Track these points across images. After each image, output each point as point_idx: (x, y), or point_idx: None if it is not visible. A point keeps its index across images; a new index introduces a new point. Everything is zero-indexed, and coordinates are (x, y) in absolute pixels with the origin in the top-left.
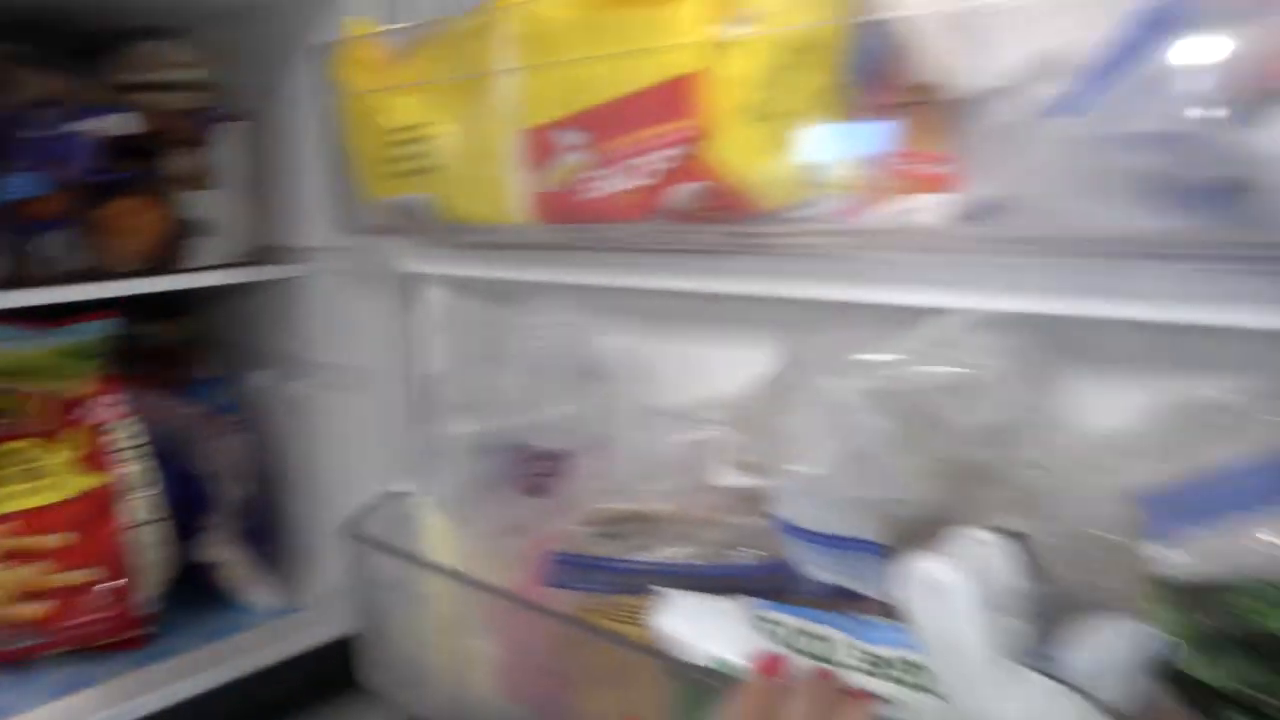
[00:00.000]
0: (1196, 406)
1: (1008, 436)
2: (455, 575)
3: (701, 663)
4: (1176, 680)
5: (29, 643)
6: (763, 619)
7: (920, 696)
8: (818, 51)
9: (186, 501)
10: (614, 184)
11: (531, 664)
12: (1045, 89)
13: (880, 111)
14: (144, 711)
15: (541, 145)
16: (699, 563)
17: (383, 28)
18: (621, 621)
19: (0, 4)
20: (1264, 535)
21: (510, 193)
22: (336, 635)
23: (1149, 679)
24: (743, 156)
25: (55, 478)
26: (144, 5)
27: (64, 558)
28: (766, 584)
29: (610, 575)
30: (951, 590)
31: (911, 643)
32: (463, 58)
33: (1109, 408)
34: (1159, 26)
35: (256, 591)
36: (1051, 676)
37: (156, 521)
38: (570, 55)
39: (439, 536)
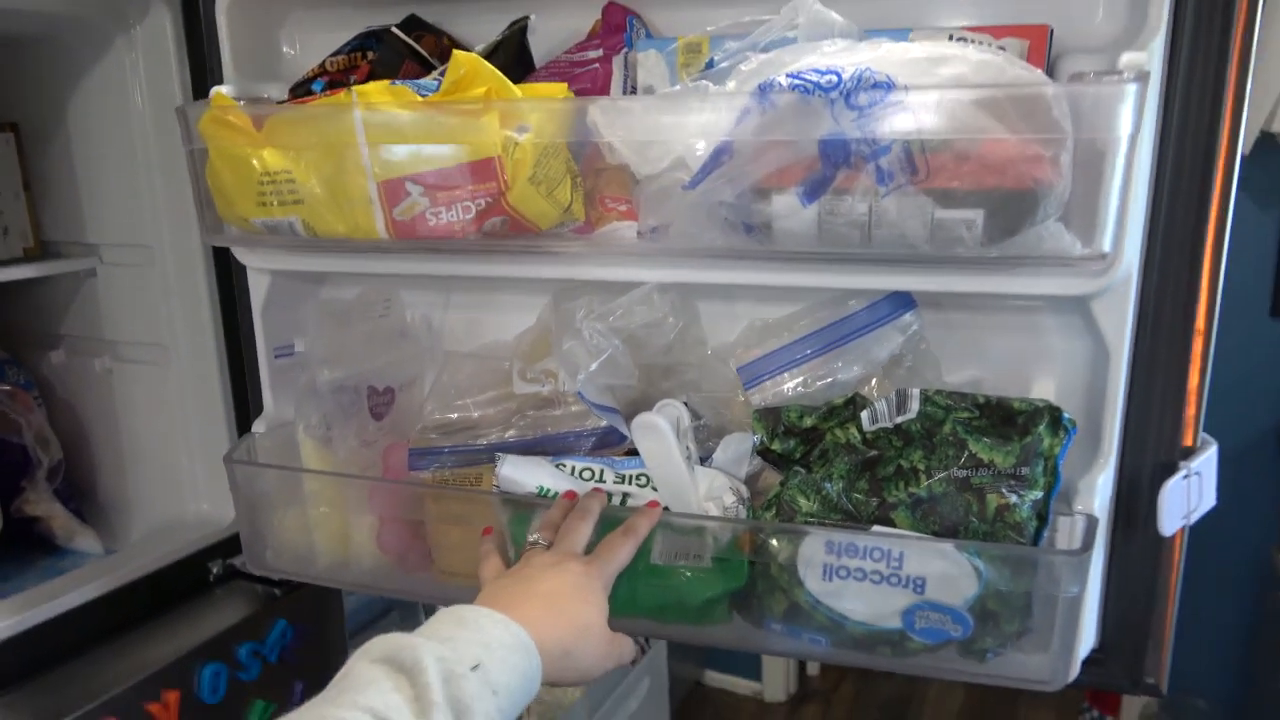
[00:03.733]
0: (768, 321)
1: (676, 351)
2: (336, 474)
3: (529, 491)
4: (765, 455)
5: None
6: (559, 465)
7: (648, 492)
8: (560, 147)
9: (5, 467)
10: (446, 217)
11: (397, 525)
12: (680, 175)
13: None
14: None
15: (393, 191)
16: (510, 440)
17: (243, 100)
18: (463, 484)
19: None
20: (792, 384)
21: (372, 219)
22: (161, 564)
23: (754, 458)
24: (525, 203)
25: None
26: None
27: None
28: (556, 448)
29: (450, 456)
30: (659, 428)
31: (640, 464)
32: (321, 130)
33: (725, 330)
34: (723, 153)
35: (82, 539)
36: (710, 467)
37: None
38: (412, 139)
39: (311, 453)
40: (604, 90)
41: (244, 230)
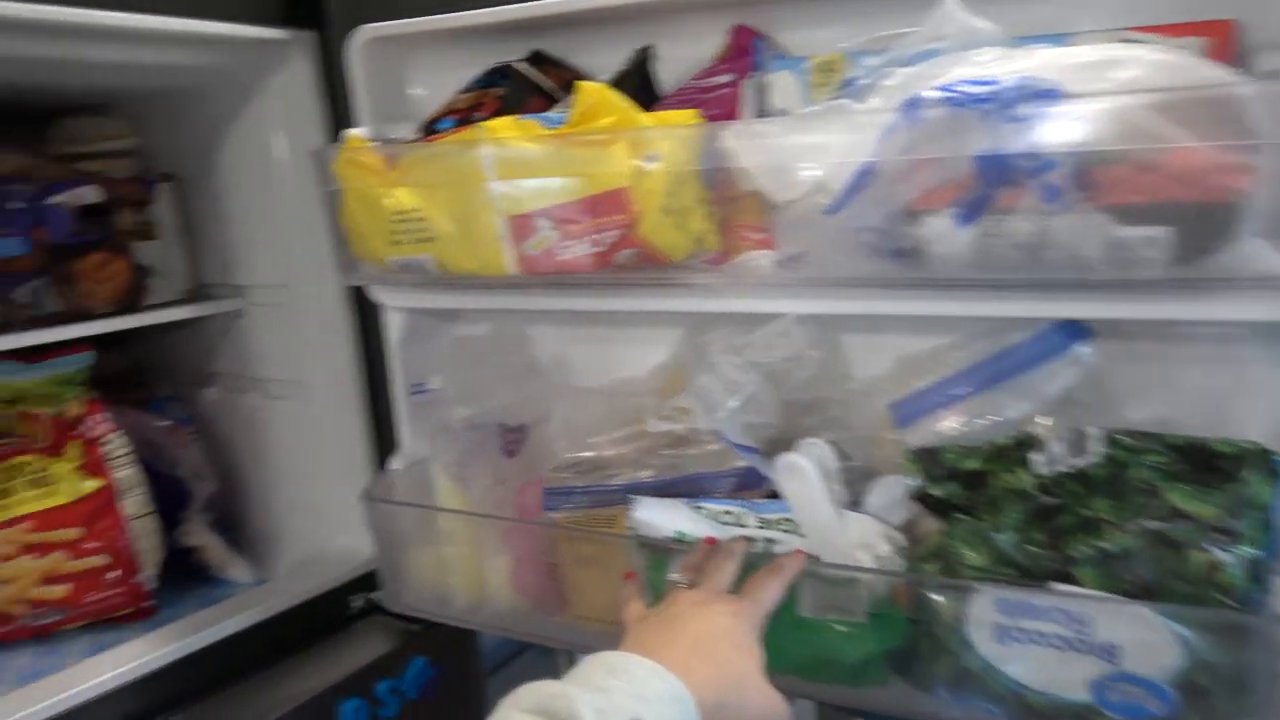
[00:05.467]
0: (919, 354)
1: (818, 385)
2: (472, 514)
3: (665, 535)
4: (923, 500)
5: (55, 618)
6: (697, 507)
7: (793, 537)
8: (691, 175)
9: (166, 498)
10: (576, 251)
11: (533, 566)
12: (820, 199)
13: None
14: (160, 664)
15: (523, 226)
16: (645, 481)
17: (374, 141)
18: (597, 526)
19: None
20: (950, 423)
21: (501, 255)
22: (306, 597)
23: (910, 504)
24: (657, 234)
25: (62, 483)
26: (77, 86)
27: (77, 548)
28: (692, 489)
29: (584, 496)
30: (804, 470)
31: (784, 508)
32: (451, 168)
33: (871, 363)
34: (868, 174)
35: (234, 569)
36: (861, 513)
37: (147, 515)
38: (541, 173)
39: (448, 491)
40: (735, 115)
41: (379, 269)
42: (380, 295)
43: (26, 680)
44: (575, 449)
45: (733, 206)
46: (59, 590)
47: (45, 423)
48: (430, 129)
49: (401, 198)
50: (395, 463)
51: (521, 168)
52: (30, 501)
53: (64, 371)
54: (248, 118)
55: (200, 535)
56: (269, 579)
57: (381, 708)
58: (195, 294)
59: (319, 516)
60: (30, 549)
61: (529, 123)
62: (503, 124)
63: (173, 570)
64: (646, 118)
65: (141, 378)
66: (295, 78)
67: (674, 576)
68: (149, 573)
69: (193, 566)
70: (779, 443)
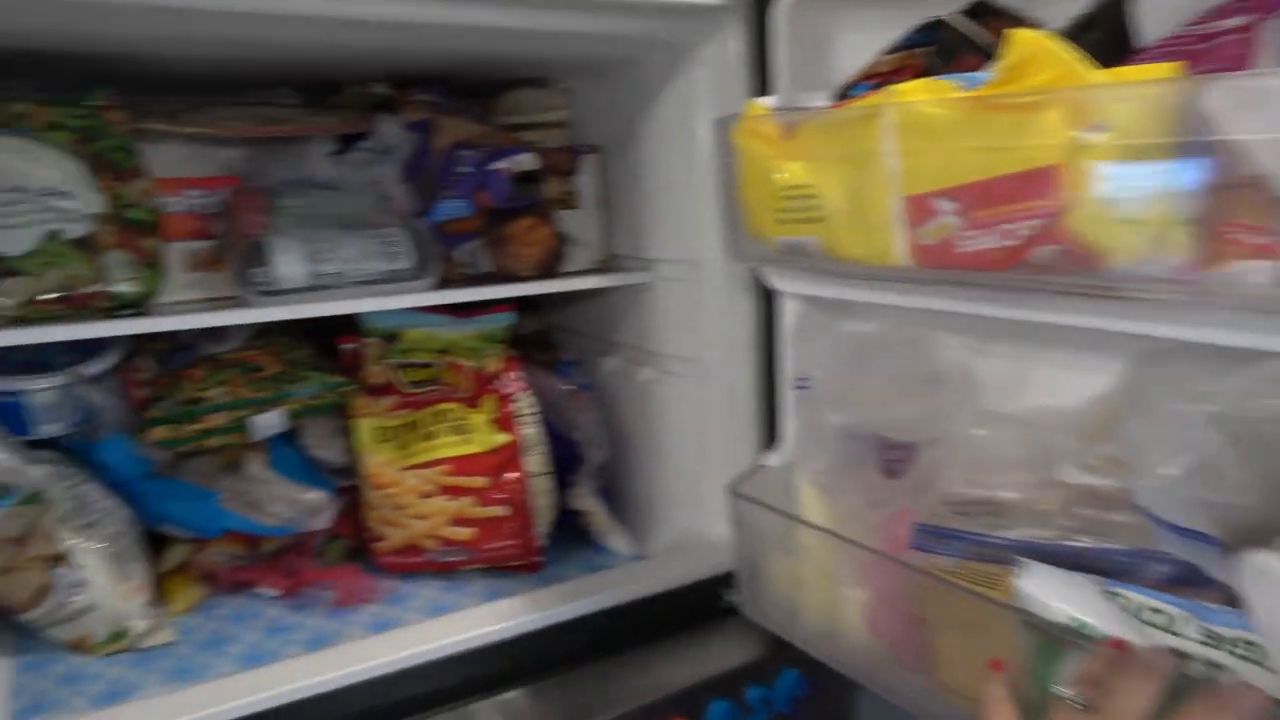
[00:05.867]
0: None
1: None
2: (833, 533)
3: (1059, 620)
4: None
5: (459, 558)
6: (1112, 594)
7: (1255, 669)
8: (1156, 152)
9: (561, 460)
10: (983, 243)
11: (894, 609)
12: None
13: None
14: (545, 624)
15: (919, 208)
16: (1046, 543)
17: (775, 109)
18: (975, 583)
19: (414, 62)
20: None
21: (892, 242)
22: (682, 582)
23: None
24: (1095, 227)
25: (477, 433)
26: (521, 62)
27: (483, 496)
28: (1110, 567)
29: (966, 544)
30: None
31: (1247, 625)
32: (847, 137)
33: None
34: None
35: (614, 538)
36: None
37: (545, 474)
38: (948, 144)
39: (812, 502)
40: (1244, 70)
41: (767, 249)
42: (770, 279)
43: (434, 612)
44: (968, 484)
45: (1221, 199)
46: (465, 532)
47: (468, 375)
48: (844, 96)
49: (794, 172)
50: (771, 459)
51: (925, 137)
52: (450, 446)
53: (490, 329)
54: (673, 90)
55: (587, 500)
56: (645, 553)
57: (750, 715)
58: (606, 264)
59: (698, 500)
60: (446, 490)
61: (944, 84)
62: (912, 87)
63: (558, 528)
64: (1097, 75)
65: (551, 341)
66: (724, 47)
67: (1064, 692)
68: (541, 529)
69: (577, 529)
70: (1254, 533)
